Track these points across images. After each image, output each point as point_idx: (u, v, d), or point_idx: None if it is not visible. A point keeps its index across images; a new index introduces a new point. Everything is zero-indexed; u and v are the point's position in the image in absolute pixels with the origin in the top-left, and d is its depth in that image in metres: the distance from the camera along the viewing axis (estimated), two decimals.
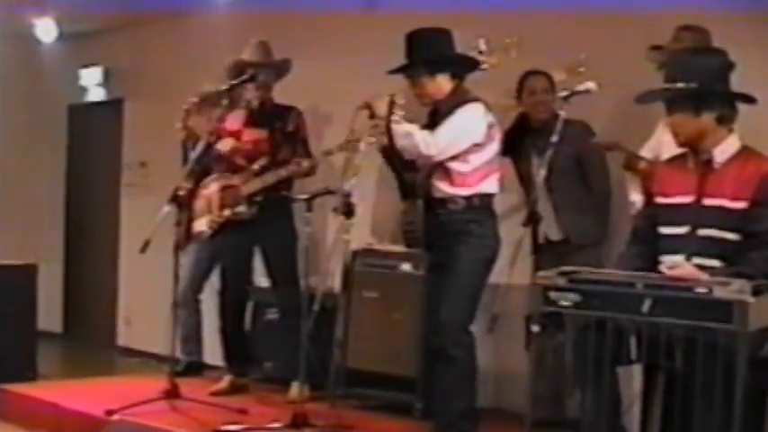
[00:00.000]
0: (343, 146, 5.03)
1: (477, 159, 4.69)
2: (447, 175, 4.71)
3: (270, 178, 5.83)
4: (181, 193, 5.48)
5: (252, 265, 6.23)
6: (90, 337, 9.22)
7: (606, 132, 5.30)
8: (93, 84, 9.27)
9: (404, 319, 5.56)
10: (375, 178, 6.30)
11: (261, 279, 6.29)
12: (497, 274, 4.81)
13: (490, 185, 4.77)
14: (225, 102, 5.94)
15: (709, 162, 3.76)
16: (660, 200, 3.87)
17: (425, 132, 4.66)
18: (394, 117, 4.69)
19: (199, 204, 6.10)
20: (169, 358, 5.70)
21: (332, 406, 4.84)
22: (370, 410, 5.62)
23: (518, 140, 5.37)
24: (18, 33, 8.76)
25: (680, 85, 3.72)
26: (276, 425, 4.99)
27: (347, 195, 4.64)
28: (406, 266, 5.57)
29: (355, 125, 4.79)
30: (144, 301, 8.21)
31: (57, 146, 9.77)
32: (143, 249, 5.22)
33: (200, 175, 6.07)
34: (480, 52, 4.89)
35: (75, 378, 6.99)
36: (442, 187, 4.72)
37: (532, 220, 4.44)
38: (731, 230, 3.64)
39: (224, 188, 6.00)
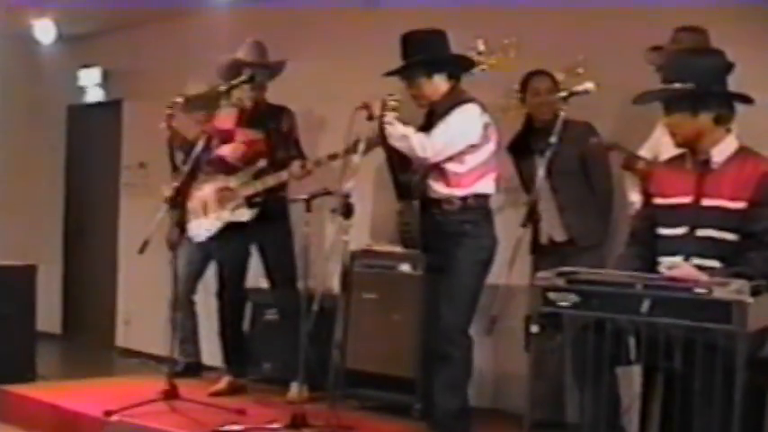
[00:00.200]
0: (349, 149, 5.01)
1: (472, 160, 4.69)
2: (443, 175, 4.71)
3: (271, 181, 5.81)
4: (166, 193, 5.46)
5: (248, 266, 6.22)
6: (89, 338, 9.22)
7: (608, 133, 5.30)
8: (91, 84, 9.28)
9: (403, 319, 5.55)
10: (373, 179, 6.30)
11: (260, 280, 6.28)
12: (496, 275, 4.80)
13: (486, 186, 4.77)
14: (224, 102, 5.93)
15: (707, 162, 3.75)
16: (658, 200, 3.87)
17: (421, 135, 4.67)
18: (386, 118, 4.70)
19: (193, 206, 6.04)
20: (168, 359, 5.70)
21: (331, 407, 4.83)
22: (369, 411, 5.62)
23: (521, 141, 5.38)
24: (17, 34, 8.75)
25: (677, 85, 3.72)
26: (275, 425, 4.98)
27: (346, 196, 4.64)
28: (404, 267, 5.57)
29: (353, 126, 4.79)
30: (143, 302, 8.21)
31: (55, 146, 9.77)
32: (142, 250, 5.22)
33: (188, 175, 5.88)
34: (479, 53, 4.90)
35: (74, 379, 6.99)
36: (438, 188, 4.73)
37: (531, 220, 4.43)
38: (730, 231, 3.63)
39: (220, 190, 5.97)
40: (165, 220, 5.47)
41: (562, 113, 4.29)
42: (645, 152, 4.95)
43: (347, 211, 4.65)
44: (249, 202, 5.85)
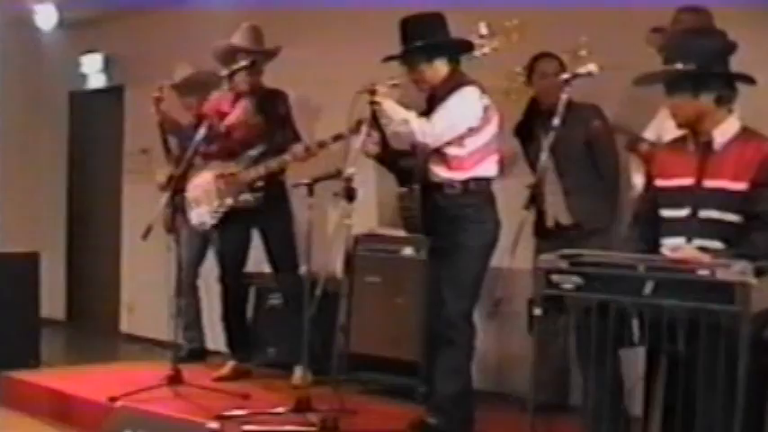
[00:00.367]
0: (353, 129, 4.99)
1: (473, 143, 4.67)
2: (443, 159, 4.70)
3: (273, 164, 5.80)
4: (159, 178, 5.46)
5: (249, 251, 6.21)
6: (93, 324, 9.24)
7: (612, 115, 5.28)
8: (93, 71, 9.26)
9: (406, 303, 5.56)
10: (375, 163, 6.27)
11: (263, 265, 6.28)
12: (499, 258, 4.79)
13: (487, 169, 4.75)
14: (225, 87, 5.91)
15: (709, 144, 3.74)
16: (660, 182, 3.86)
17: (422, 120, 4.65)
18: (375, 106, 4.68)
19: (194, 194, 6.02)
20: (172, 344, 5.71)
21: (335, 391, 4.82)
22: (373, 395, 5.64)
23: (527, 124, 5.36)
24: (18, 20, 8.74)
25: (678, 66, 3.71)
26: (279, 410, 4.99)
27: (348, 179, 4.63)
28: (408, 251, 5.57)
29: (355, 109, 4.77)
30: (146, 288, 8.21)
31: (58, 133, 9.77)
32: (145, 235, 5.23)
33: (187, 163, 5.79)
34: (481, 36, 4.86)
35: (79, 365, 7.01)
36: (439, 172, 4.71)
37: (534, 202, 4.41)
38: (732, 212, 3.63)
39: (219, 176, 5.95)
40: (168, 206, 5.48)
41: (564, 96, 4.27)
42: (649, 134, 4.94)
43: (350, 194, 4.64)
44: (251, 187, 5.85)
